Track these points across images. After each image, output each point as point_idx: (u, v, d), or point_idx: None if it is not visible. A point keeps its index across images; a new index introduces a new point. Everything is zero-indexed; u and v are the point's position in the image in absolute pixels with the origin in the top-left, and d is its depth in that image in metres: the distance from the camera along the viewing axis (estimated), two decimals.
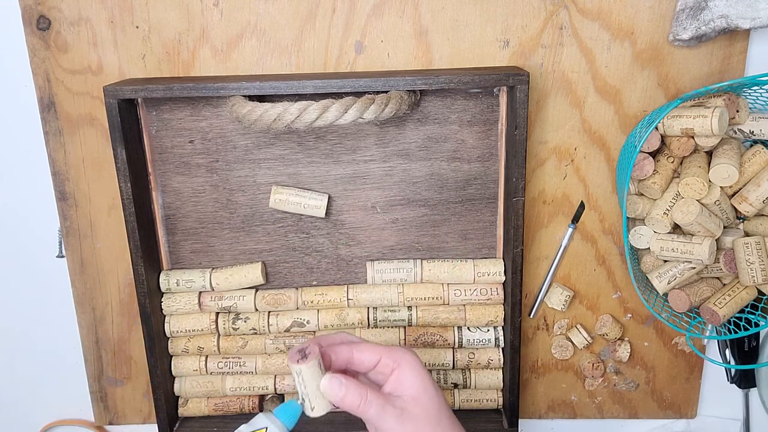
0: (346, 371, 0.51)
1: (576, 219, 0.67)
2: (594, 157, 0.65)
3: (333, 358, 0.50)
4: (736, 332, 0.63)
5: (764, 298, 0.63)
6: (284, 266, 0.68)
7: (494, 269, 0.66)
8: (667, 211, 0.61)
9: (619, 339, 0.71)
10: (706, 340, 0.71)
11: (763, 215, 0.62)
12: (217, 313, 0.67)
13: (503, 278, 0.66)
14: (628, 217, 0.63)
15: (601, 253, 0.68)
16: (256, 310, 0.67)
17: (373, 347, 0.50)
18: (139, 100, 0.62)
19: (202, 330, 0.67)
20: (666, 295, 0.65)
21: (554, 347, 0.71)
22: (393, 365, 0.49)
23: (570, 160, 0.66)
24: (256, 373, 0.68)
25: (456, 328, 0.68)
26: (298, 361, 0.48)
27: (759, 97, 0.60)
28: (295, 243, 0.67)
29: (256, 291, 0.67)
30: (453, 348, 0.68)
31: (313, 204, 0.64)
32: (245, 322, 0.67)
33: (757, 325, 0.63)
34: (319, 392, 0.49)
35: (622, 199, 0.59)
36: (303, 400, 0.49)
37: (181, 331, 0.67)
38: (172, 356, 0.69)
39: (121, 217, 0.62)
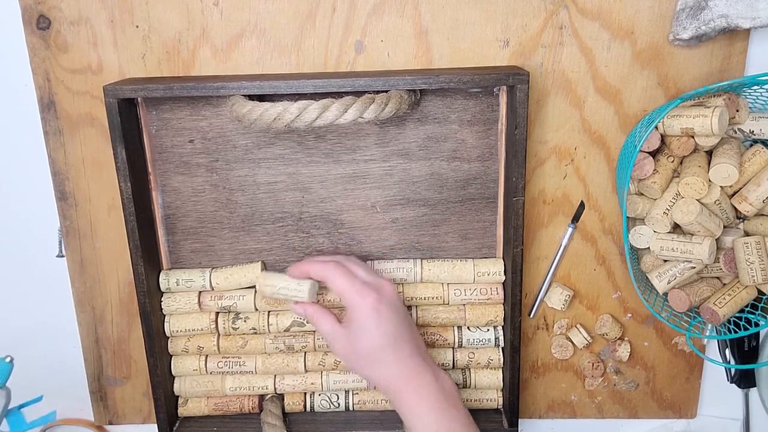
0: None
1: (576, 219, 0.67)
2: (594, 157, 0.65)
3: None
4: (736, 332, 0.63)
5: (764, 297, 0.63)
6: (284, 266, 0.67)
7: (494, 269, 0.66)
8: (667, 211, 0.61)
9: (619, 339, 0.71)
10: (706, 339, 0.71)
11: (763, 215, 0.62)
12: (217, 313, 0.67)
13: (503, 278, 0.66)
14: (628, 217, 0.63)
15: (601, 253, 0.68)
16: (256, 309, 0.67)
17: (338, 285, 0.59)
18: (139, 100, 0.62)
19: (201, 330, 0.67)
20: (666, 294, 0.65)
21: (554, 347, 0.71)
22: (348, 306, 0.59)
23: (570, 160, 0.66)
24: (256, 372, 0.68)
25: (456, 328, 0.68)
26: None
27: (759, 97, 0.60)
28: (295, 243, 0.67)
29: (256, 290, 0.67)
30: (453, 348, 0.68)
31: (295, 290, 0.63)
32: (245, 321, 0.67)
33: (757, 324, 0.63)
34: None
35: (622, 198, 0.59)
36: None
37: (180, 331, 0.67)
38: (171, 356, 0.69)
39: (121, 216, 0.61)
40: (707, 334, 0.69)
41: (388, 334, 0.58)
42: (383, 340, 0.58)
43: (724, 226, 0.62)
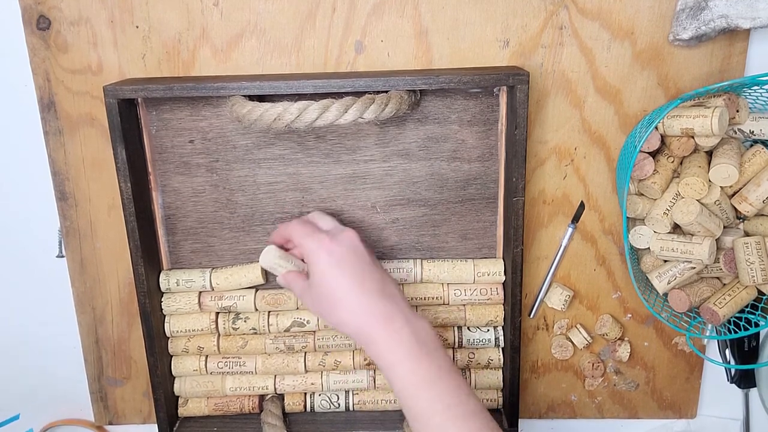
0: None
1: (576, 219, 0.67)
2: (594, 157, 0.65)
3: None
4: (736, 332, 0.63)
5: (764, 298, 0.63)
6: None
7: (494, 269, 0.66)
8: (667, 211, 0.61)
9: (619, 339, 0.71)
10: (706, 340, 0.71)
11: (763, 215, 0.62)
12: (217, 313, 0.67)
13: (503, 278, 0.66)
14: (628, 217, 0.63)
15: (601, 253, 0.68)
16: (256, 310, 0.67)
17: (296, 237, 0.59)
18: (139, 100, 0.62)
19: (202, 330, 0.67)
20: (666, 295, 0.65)
21: (554, 347, 0.71)
22: (305, 255, 0.59)
23: (570, 160, 0.66)
24: (256, 373, 0.68)
25: (456, 328, 0.68)
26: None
27: (759, 97, 0.60)
28: None
29: (256, 291, 0.67)
30: (453, 348, 0.68)
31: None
32: (245, 321, 0.67)
33: (757, 325, 0.63)
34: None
35: (622, 199, 0.59)
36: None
37: (181, 331, 0.67)
38: (172, 356, 0.69)
39: (121, 217, 0.61)
40: (707, 334, 0.69)
41: (348, 276, 0.55)
42: (343, 282, 0.55)
43: (724, 227, 0.62)
